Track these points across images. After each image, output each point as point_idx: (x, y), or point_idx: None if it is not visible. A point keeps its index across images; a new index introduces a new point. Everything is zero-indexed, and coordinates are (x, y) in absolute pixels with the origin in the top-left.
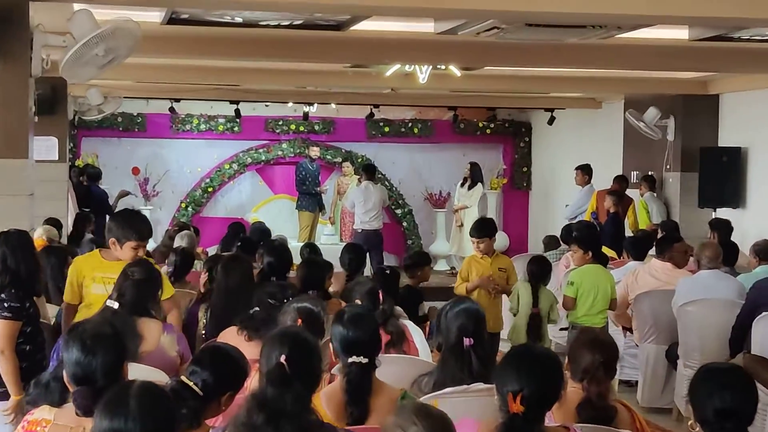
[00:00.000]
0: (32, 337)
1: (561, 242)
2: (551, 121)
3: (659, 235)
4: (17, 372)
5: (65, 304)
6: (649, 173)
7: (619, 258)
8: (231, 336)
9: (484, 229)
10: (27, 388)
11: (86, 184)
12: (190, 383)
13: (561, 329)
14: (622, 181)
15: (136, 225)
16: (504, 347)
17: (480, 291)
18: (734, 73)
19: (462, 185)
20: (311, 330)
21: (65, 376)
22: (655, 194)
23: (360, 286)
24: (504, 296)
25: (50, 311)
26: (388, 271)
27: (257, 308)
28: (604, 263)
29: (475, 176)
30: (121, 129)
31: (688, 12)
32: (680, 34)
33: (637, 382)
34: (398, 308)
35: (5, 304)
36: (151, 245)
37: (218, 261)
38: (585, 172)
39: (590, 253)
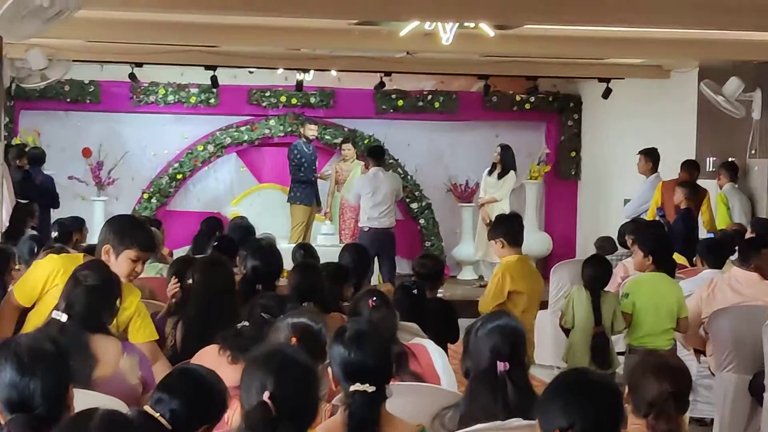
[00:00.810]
0: None
1: (618, 245)
2: (607, 93)
3: (745, 237)
4: None
5: (7, 299)
6: (730, 159)
7: (691, 265)
8: (210, 356)
9: (506, 229)
10: None
11: (27, 168)
12: (156, 414)
13: (618, 353)
14: (692, 168)
15: (138, 232)
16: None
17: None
18: None
19: (490, 173)
20: (309, 351)
21: None
22: (737, 186)
23: (375, 306)
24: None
25: None
26: (415, 291)
27: (246, 323)
28: (670, 271)
29: (506, 162)
30: (69, 100)
31: None
32: None
33: (712, 420)
34: (412, 325)
35: None
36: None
37: (189, 264)
38: (650, 158)
39: (651, 258)
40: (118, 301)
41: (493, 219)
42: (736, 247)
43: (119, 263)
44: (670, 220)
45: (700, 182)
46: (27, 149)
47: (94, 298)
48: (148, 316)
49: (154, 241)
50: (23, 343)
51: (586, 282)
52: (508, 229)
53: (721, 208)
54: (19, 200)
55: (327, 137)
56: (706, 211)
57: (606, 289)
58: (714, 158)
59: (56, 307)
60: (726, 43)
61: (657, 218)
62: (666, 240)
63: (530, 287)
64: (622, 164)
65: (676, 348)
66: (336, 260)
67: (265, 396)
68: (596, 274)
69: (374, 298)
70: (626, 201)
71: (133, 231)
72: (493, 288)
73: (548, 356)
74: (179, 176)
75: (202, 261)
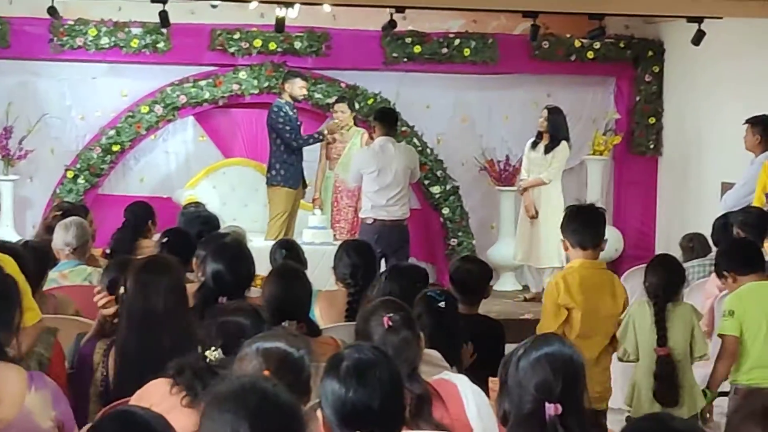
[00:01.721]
0: None
1: (713, 245)
2: (698, 38)
3: None
4: None
5: None
6: None
7: None
8: (157, 395)
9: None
10: None
11: None
12: None
13: (720, 393)
14: None
15: None
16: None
17: (595, 328)
18: None
19: (534, 146)
20: (287, 387)
21: None
22: None
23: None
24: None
25: None
26: (443, 304)
27: (220, 350)
28: None
29: (556, 130)
30: None
31: None
32: None
33: None
34: (433, 353)
35: None
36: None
37: (127, 268)
38: (759, 129)
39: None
40: (18, 313)
41: (540, 209)
42: None
43: None
44: None
45: None
46: None
47: None
48: (30, 298)
49: None
50: None
51: (648, 294)
52: (577, 223)
53: None
54: None
55: (318, 96)
56: None
57: (689, 294)
58: None
59: None
60: None
61: (765, 207)
62: None
63: (589, 303)
64: (719, 135)
65: None
66: (328, 262)
67: None
68: (661, 281)
69: (391, 315)
70: (725, 186)
71: None
72: (545, 303)
73: (619, 397)
74: (116, 148)
75: (138, 264)
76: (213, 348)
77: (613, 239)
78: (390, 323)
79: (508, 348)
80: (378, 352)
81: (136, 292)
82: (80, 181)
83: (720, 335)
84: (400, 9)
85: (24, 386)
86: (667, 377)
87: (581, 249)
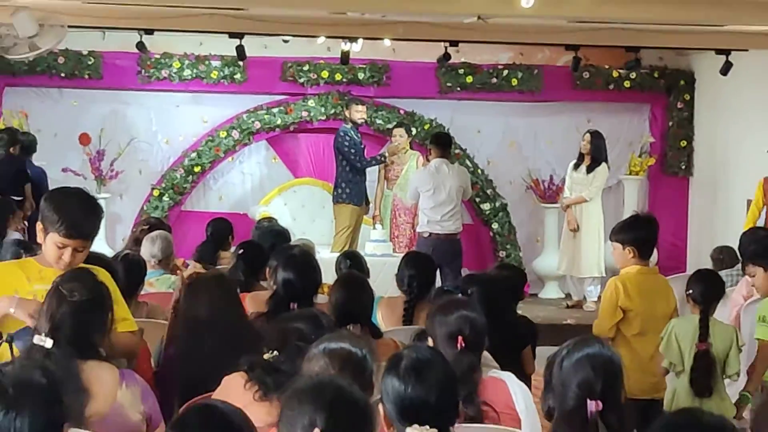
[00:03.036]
0: None
1: (740, 257)
2: (726, 69)
3: None
4: None
5: None
6: None
7: None
8: (235, 390)
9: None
10: None
11: (17, 158)
12: None
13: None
14: None
15: (71, 212)
16: None
17: (650, 328)
18: None
19: (577, 167)
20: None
21: None
22: None
23: (445, 314)
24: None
25: None
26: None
27: (276, 352)
28: None
29: (597, 152)
30: (63, 76)
31: None
32: None
33: None
34: (487, 356)
35: None
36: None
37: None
38: None
39: None
40: (109, 318)
41: (581, 224)
42: None
43: (46, 246)
44: None
45: None
46: (19, 135)
47: (82, 317)
48: (125, 307)
49: (92, 226)
50: (8, 373)
51: (692, 302)
52: (641, 232)
53: None
54: (11, 197)
55: (379, 122)
56: None
57: (718, 314)
58: None
59: (37, 329)
60: None
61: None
62: None
63: (647, 307)
64: (746, 157)
65: None
66: (389, 272)
67: None
68: (704, 292)
69: (467, 336)
70: (749, 203)
71: (64, 210)
72: (604, 305)
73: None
74: (197, 169)
75: (190, 279)
76: (270, 351)
77: None
78: (463, 344)
79: (546, 350)
80: (434, 351)
81: (184, 301)
82: (165, 198)
83: (757, 339)
84: (454, 43)
85: (116, 383)
86: (704, 369)
87: (639, 257)
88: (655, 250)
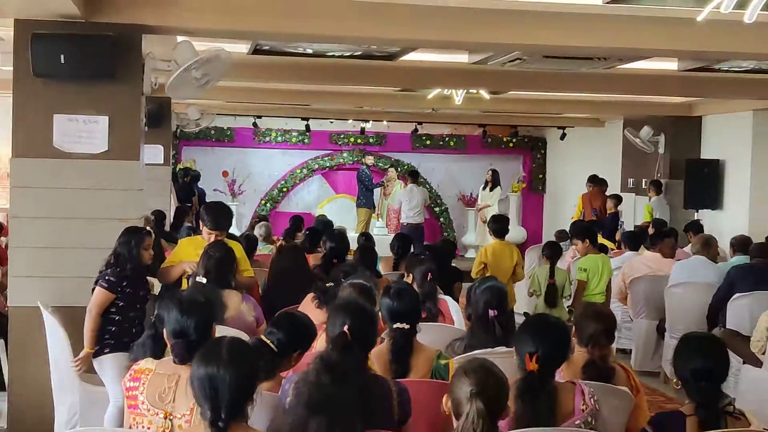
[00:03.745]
0: (123, 311)
1: (569, 235)
2: (563, 136)
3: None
4: (95, 331)
5: (163, 268)
6: (655, 178)
7: (618, 248)
8: (307, 303)
9: (495, 225)
10: (129, 348)
11: (189, 183)
12: (268, 341)
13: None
14: (603, 184)
15: (213, 216)
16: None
17: (498, 273)
18: (715, 99)
19: (484, 188)
20: (362, 307)
21: (165, 332)
22: (662, 197)
23: (418, 265)
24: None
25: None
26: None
27: (332, 283)
28: (605, 252)
29: (494, 181)
30: (213, 140)
31: (677, 47)
32: (671, 65)
33: (631, 350)
34: (437, 287)
35: (106, 277)
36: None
37: (285, 252)
38: (594, 184)
39: (588, 242)
40: (235, 266)
41: (487, 218)
42: (648, 238)
43: (203, 233)
44: (602, 217)
45: (624, 194)
46: (190, 171)
47: (220, 265)
48: (247, 262)
49: (226, 222)
50: (183, 294)
51: (545, 258)
52: (497, 226)
53: (647, 215)
54: (180, 204)
55: (380, 164)
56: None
57: (558, 265)
58: (633, 179)
59: (196, 274)
60: (641, 104)
61: (593, 217)
62: (590, 230)
63: (497, 261)
64: (573, 182)
65: (609, 302)
66: (385, 244)
67: (345, 328)
68: (551, 253)
69: (429, 272)
70: (575, 207)
71: (210, 215)
72: (476, 260)
73: (523, 306)
74: (284, 189)
75: (279, 248)
76: (327, 284)
77: (522, 233)
78: (429, 278)
79: (468, 284)
80: (408, 284)
81: (276, 259)
82: (267, 204)
83: (578, 279)
84: (420, 123)
85: (239, 301)
86: (552, 293)
87: (495, 236)
88: (525, 233)
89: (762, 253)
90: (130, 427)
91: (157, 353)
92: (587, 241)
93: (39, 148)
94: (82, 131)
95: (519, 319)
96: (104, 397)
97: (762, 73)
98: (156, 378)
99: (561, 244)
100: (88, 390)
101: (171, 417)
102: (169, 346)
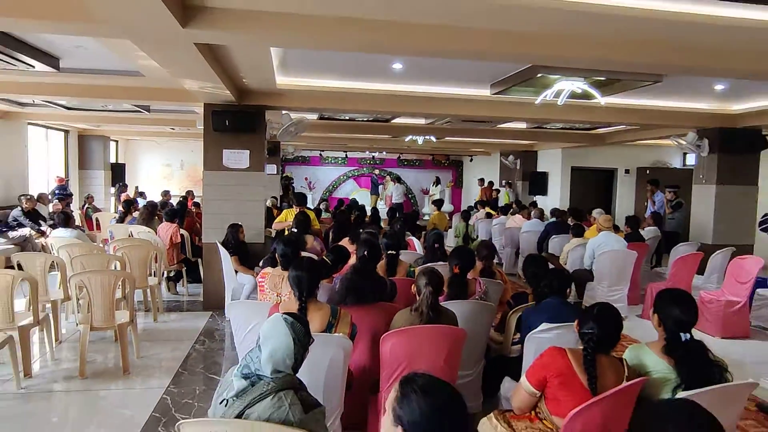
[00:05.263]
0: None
1: (474, 208)
2: (471, 160)
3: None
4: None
5: (276, 223)
6: (512, 180)
7: (497, 215)
8: (345, 241)
9: (435, 203)
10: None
11: (288, 183)
12: (326, 260)
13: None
14: (490, 183)
15: (298, 199)
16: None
17: (439, 227)
18: (542, 141)
19: (433, 185)
20: (373, 242)
21: (276, 254)
22: (512, 190)
23: (397, 223)
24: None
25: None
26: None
27: (362, 230)
28: (491, 217)
29: (437, 182)
30: (300, 161)
31: (525, 116)
32: (522, 125)
33: (503, 262)
34: (408, 232)
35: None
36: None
37: (336, 216)
38: (484, 184)
39: (482, 209)
40: (310, 223)
41: (434, 199)
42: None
43: (294, 207)
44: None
45: (500, 188)
46: (289, 177)
47: (303, 223)
48: (316, 221)
49: (301, 202)
50: (285, 236)
51: (463, 218)
52: (437, 203)
53: (506, 196)
54: (285, 193)
55: (382, 174)
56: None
57: (469, 222)
58: (504, 180)
59: (291, 227)
60: (510, 144)
61: (484, 198)
62: (486, 205)
63: (437, 221)
64: (474, 183)
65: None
66: (382, 215)
67: (365, 253)
68: (466, 216)
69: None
70: (477, 195)
71: (296, 198)
72: (429, 221)
73: (451, 243)
74: (334, 186)
75: (338, 214)
76: (357, 231)
77: (450, 207)
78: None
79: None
80: (394, 232)
81: (334, 220)
82: (326, 194)
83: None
84: (402, 152)
85: (313, 239)
86: (465, 236)
87: (438, 209)
88: (452, 207)
89: (559, 215)
90: (260, 300)
91: (273, 264)
92: (484, 209)
93: (216, 165)
94: (236, 157)
95: (448, 249)
96: (244, 282)
97: (568, 129)
98: (273, 276)
99: (470, 212)
100: (238, 280)
101: (279, 295)
102: (279, 261)
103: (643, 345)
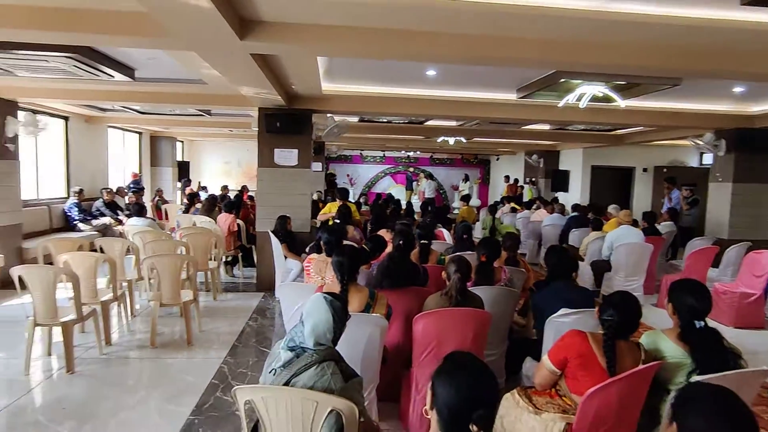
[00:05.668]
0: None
1: (500, 203)
2: (497, 158)
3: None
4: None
5: (321, 214)
6: (535, 178)
7: (521, 209)
8: (383, 231)
9: (464, 199)
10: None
11: (332, 179)
12: (366, 248)
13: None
14: (515, 180)
15: (341, 193)
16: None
17: (468, 220)
18: (565, 141)
19: (463, 182)
20: (408, 232)
21: (321, 242)
22: (536, 187)
23: (428, 219)
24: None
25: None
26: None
27: (398, 221)
28: (515, 212)
29: (466, 179)
30: (342, 160)
31: (549, 118)
32: (546, 126)
33: (526, 253)
34: (438, 224)
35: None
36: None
37: (374, 208)
38: (510, 181)
39: (508, 205)
40: (351, 214)
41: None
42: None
43: (337, 201)
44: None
45: (525, 185)
46: (332, 174)
47: (344, 212)
48: (356, 212)
49: (345, 196)
50: (329, 226)
51: (489, 212)
52: (466, 198)
53: (530, 192)
54: (329, 188)
55: (416, 171)
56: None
57: (496, 216)
58: (528, 178)
59: (334, 218)
60: (534, 145)
61: (511, 194)
62: (513, 200)
63: (466, 214)
64: (500, 180)
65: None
66: (416, 209)
67: (400, 242)
68: (493, 209)
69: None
70: (503, 191)
71: (339, 192)
72: (458, 215)
73: (478, 235)
74: (373, 182)
75: (375, 206)
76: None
77: (478, 202)
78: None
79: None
80: (426, 224)
81: (373, 212)
82: (366, 188)
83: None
84: (435, 152)
85: (353, 230)
86: (492, 229)
87: (466, 203)
88: (479, 202)
89: (580, 211)
90: (306, 282)
91: (318, 251)
92: (509, 204)
93: (269, 163)
94: (286, 156)
95: (475, 240)
96: (292, 267)
97: (589, 130)
98: (317, 262)
99: (497, 207)
100: (287, 265)
101: (324, 278)
102: (323, 248)
103: (659, 331)
